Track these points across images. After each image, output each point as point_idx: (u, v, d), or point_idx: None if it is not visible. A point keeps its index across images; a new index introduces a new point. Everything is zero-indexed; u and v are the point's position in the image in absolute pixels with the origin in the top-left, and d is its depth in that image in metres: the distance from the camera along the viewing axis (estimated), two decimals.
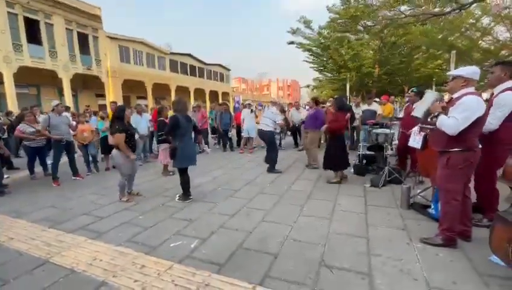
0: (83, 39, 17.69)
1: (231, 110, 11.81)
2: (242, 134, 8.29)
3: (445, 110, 2.36)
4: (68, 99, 16.37)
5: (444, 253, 2.32)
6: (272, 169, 5.43)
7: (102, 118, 6.19)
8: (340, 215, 3.22)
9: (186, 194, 3.82)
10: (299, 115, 7.92)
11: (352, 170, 5.18)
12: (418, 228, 2.80)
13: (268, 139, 5.50)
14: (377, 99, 8.19)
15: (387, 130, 4.82)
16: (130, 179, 4.05)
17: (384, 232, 2.74)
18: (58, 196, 4.29)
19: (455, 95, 2.33)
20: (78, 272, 2.20)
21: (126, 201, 3.90)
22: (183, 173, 3.79)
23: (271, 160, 5.48)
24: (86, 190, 4.56)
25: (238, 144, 9.03)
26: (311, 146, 5.77)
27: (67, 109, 6.78)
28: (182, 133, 3.63)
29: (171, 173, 5.40)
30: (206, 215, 3.34)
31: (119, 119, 3.73)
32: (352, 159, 5.70)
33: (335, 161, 4.47)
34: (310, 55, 18.54)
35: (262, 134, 5.62)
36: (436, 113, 2.39)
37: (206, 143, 8.15)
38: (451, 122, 2.21)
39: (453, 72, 2.38)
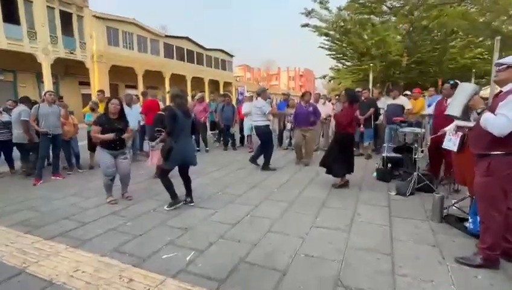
0: (66, 19, 17.91)
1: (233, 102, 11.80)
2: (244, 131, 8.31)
3: (486, 106, 2.30)
4: (48, 88, 16.59)
5: (483, 275, 2.28)
6: (266, 166, 5.79)
7: (92, 110, 6.21)
8: (360, 227, 3.20)
9: (174, 198, 3.77)
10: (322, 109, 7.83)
11: (374, 175, 5.14)
12: (453, 245, 2.76)
13: (263, 134, 5.85)
14: (408, 92, 8.05)
15: (417, 129, 4.76)
16: (123, 180, 4.18)
17: (411, 249, 2.71)
18: (36, 197, 4.36)
19: (505, 88, 2.26)
20: (58, 284, 2.23)
21: (109, 202, 3.98)
22: (165, 174, 3.74)
23: (267, 156, 5.83)
24: (67, 191, 4.62)
25: (242, 142, 9.04)
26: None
27: (60, 98, 6.85)
28: (177, 131, 3.61)
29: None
30: (204, 223, 3.35)
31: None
32: (375, 162, 5.67)
33: (335, 163, 4.49)
34: (327, 40, 18.40)
35: (257, 130, 5.96)
36: (478, 110, 2.33)
37: (204, 140, 8.18)
38: (502, 122, 2.13)
39: (507, 59, 2.28)
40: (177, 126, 3.61)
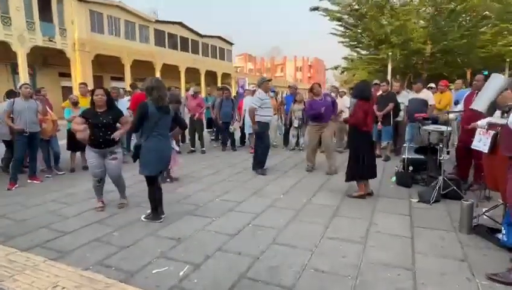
0: (44, 2, 18.03)
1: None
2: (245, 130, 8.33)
3: None
4: (24, 80, 16.67)
5: None
6: (256, 167, 5.93)
7: (75, 104, 6.21)
8: (377, 238, 3.19)
9: (155, 212, 3.72)
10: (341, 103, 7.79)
11: (394, 179, 5.12)
12: (483, 260, 2.75)
13: (258, 132, 5.97)
14: (433, 85, 8.02)
15: (442, 127, 4.74)
16: (115, 183, 4.19)
17: (436, 264, 2.70)
18: (11, 203, 4.38)
19: None
20: None
21: (95, 209, 4.02)
22: (151, 182, 3.71)
23: (257, 157, 5.98)
24: (45, 196, 4.64)
25: (242, 141, 9.04)
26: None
27: (37, 92, 6.87)
28: (149, 127, 3.52)
29: (168, 180, 5.30)
30: (200, 233, 3.35)
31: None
32: (395, 165, 5.65)
33: (351, 166, 4.47)
34: (340, 26, 18.41)
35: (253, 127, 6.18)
36: (507, 108, 2.31)
37: (200, 139, 8.18)
38: None
39: None
40: (148, 123, 3.50)
